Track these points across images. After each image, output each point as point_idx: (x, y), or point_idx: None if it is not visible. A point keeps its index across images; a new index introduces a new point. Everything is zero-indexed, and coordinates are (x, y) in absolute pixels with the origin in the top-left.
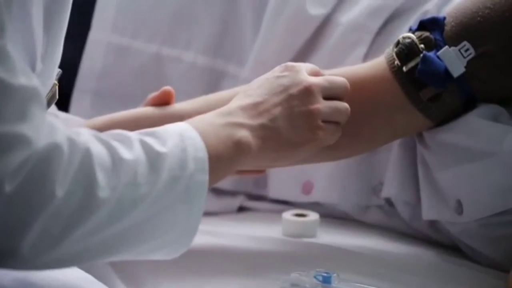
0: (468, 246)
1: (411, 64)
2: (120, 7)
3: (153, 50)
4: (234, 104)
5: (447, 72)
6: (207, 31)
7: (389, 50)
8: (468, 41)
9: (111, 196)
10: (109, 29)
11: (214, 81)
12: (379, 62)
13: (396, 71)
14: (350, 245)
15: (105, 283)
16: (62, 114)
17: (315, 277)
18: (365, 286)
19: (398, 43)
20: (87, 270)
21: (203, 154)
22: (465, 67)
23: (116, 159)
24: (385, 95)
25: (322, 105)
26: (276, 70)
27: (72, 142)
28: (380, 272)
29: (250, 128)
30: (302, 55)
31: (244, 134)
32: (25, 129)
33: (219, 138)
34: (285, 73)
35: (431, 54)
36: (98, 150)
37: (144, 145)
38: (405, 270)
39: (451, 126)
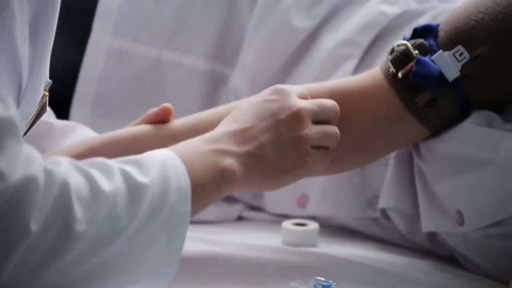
0: (466, 258)
1: (406, 69)
2: (121, 10)
3: (154, 53)
4: (220, 129)
5: (442, 76)
6: (208, 35)
7: (384, 59)
8: (462, 45)
9: (89, 229)
10: (111, 32)
11: (213, 85)
12: (374, 72)
13: (391, 78)
14: (349, 254)
15: None
16: (58, 121)
17: (314, 286)
18: None
19: (392, 50)
20: None
21: (185, 183)
22: (460, 71)
23: (95, 191)
24: (381, 103)
25: (311, 130)
26: (265, 93)
27: (48, 174)
28: (380, 281)
29: (236, 155)
30: (290, 66)
31: (230, 162)
32: None
33: (204, 165)
34: (274, 97)
35: (425, 58)
36: (77, 181)
37: (125, 175)
38: (404, 279)
39: (446, 136)
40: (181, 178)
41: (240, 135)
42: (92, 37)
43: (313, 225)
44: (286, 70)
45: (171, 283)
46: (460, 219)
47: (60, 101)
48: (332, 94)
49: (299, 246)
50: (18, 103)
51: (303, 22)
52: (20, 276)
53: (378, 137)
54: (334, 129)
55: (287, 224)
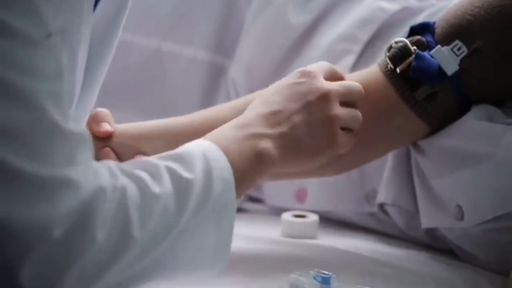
0: (466, 252)
1: (404, 64)
2: None
3: (154, 45)
4: (252, 112)
5: (441, 71)
6: (208, 26)
7: (382, 56)
8: (460, 40)
9: (144, 233)
10: None
11: (213, 76)
12: (373, 69)
13: (389, 74)
14: (349, 246)
15: None
16: None
17: (314, 278)
18: (365, 287)
19: (390, 47)
20: None
21: (228, 174)
22: (459, 65)
23: (147, 195)
24: (379, 98)
25: (340, 111)
26: (293, 76)
27: (113, 185)
28: (379, 273)
29: (271, 137)
30: (287, 60)
31: (266, 146)
32: (74, 173)
33: (242, 153)
34: (302, 80)
35: (424, 53)
36: (132, 189)
37: (172, 174)
38: (402, 271)
39: (446, 131)
40: (224, 169)
41: (273, 117)
42: None
43: (313, 217)
44: (283, 64)
45: None
46: (459, 214)
47: None
48: None
49: (299, 238)
50: None
51: (299, 17)
52: (81, 283)
53: (377, 132)
54: (358, 112)
55: (287, 215)
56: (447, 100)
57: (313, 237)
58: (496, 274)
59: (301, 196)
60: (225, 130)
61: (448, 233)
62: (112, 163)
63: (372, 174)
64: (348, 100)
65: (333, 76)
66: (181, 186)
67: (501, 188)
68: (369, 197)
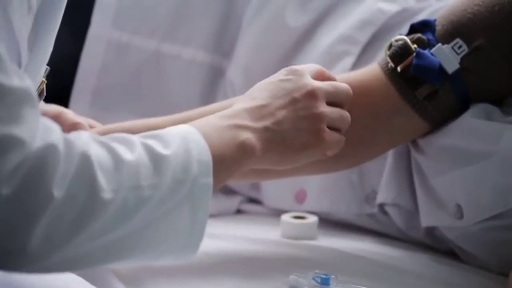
0: (465, 252)
1: (405, 63)
2: (120, 3)
3: (153, 46)
4: (238, 106)
5: (441, 69)
6: (207, 27)
7: (382, 54)
8: (460, 38)
9: (115, 198)
10: (110, 24)
11: (212, 77)
12: (373, 67)
13: (390, 73)
14: (348, 247)
15: (103, 283)
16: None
17: (313, 279)
18: None
19: (390, 46)
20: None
21: (207, 157)
22: (459, 63)
23: (117, 161)
24: (381, 98)
25: (326, 109)
26: (280, 73)
27: (68, 143)
28: (379, 274)
29: (254, 130)
30: (286, 61)
31: (248, 136)
32: (19, 131)
33: (222, 140)
34: (289, 77)
35: (425, 51)
36: (97, 152)
37: (146, 147)
38: (402, 272)
39: (445, 129)
40: (202, 152)
41: (258, 111)
42: (91, 30)
43: (312, 218)
44: (282, 65)
45: (170, 275)
46: (459, 213)
47: (60, 93)
48: None
49: (298, 239)
50: None
51: (298, 18)
52: (50, 244)
53: (378, 131)
54: (346, 113)
55: (286, 217)
56: (448, 98)
57: (312, 238)
58: (496, 275)
59: (300, 197)
60: (209, 119)
61: (447, 232)
62: (84, 132)
63: (372, 175)
64: (336, 100)
65: (322, 77)
66: (156, 159)
67: (500, 186)
68: (369, 198)
